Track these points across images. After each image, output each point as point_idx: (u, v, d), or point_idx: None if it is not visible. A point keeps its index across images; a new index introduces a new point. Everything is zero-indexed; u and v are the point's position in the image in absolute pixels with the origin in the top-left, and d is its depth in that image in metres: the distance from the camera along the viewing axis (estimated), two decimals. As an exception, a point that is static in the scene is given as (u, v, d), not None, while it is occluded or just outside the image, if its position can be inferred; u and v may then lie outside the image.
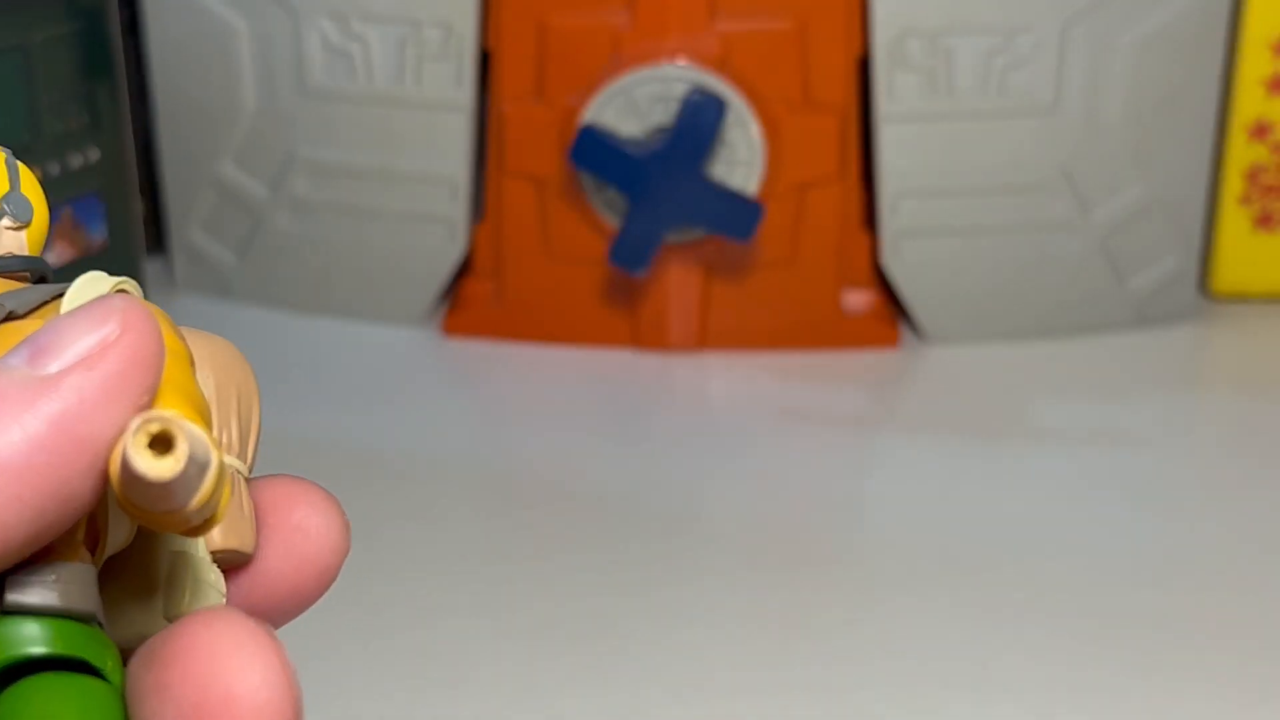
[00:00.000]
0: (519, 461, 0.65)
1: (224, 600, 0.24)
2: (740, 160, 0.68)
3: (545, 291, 0.72)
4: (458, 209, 0.72)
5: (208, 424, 0.21)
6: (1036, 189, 0.71)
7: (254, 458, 0.25)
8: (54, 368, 0.20)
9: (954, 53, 0.68)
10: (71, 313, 0.20)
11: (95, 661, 0.20)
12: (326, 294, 0.75)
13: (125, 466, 0.19)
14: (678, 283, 0.71)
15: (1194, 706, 0.49)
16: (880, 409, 0.69)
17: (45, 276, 0.24)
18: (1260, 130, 0.72)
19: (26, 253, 0.24)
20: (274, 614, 0.24)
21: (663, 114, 0.67)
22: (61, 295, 0.23)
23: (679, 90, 0.67)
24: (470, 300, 0.73)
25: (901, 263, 0.71)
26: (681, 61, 0.67)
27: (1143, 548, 0.58)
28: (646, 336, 0.72)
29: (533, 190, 0.71)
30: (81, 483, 0.20)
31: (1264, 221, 0.74)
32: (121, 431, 0.20)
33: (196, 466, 0.19)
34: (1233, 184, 0.73)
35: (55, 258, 0.61)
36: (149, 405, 0.20)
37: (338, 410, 0.67)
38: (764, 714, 0.49)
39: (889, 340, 0.72)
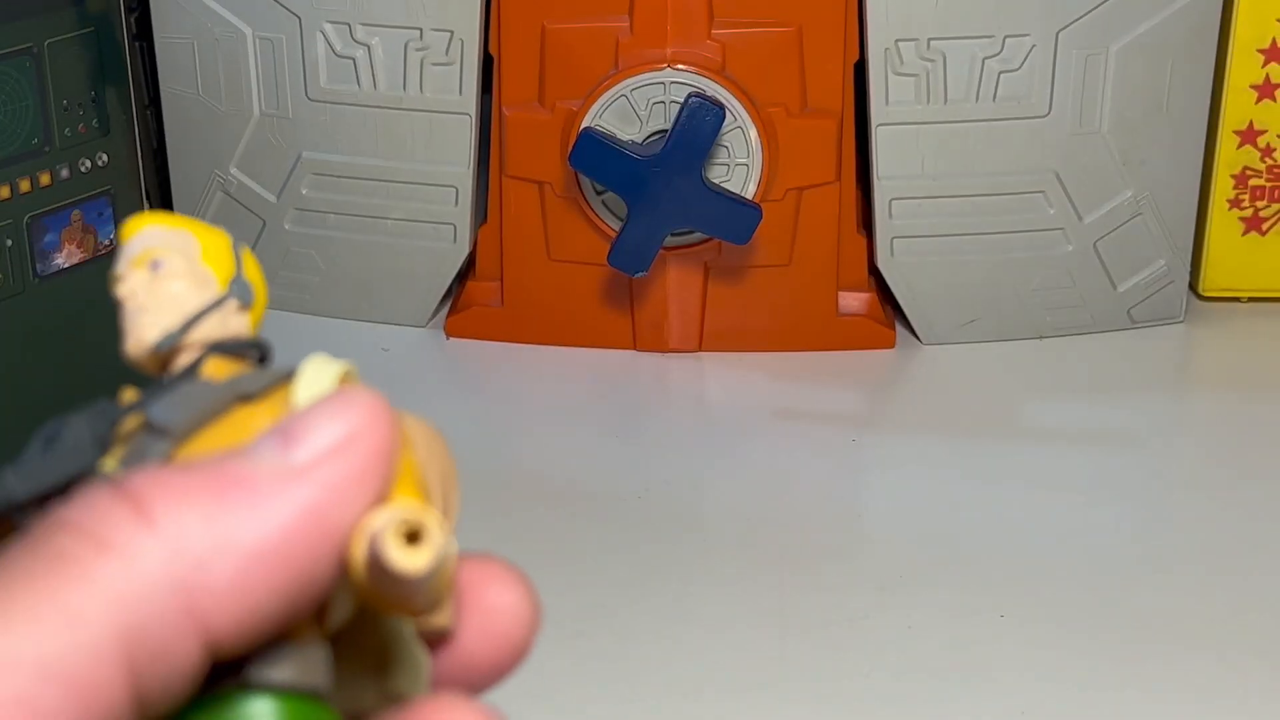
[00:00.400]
0: (520, 461, 0.65)
1: (430, 677, 0.24)
2: (738, 164, 0.69)
3: (546, 293, 0.72)
4: (461, 212, 0.72)
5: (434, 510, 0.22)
6: (1029, 192, 0.71)
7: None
8: (303, 457, 0.21)
9: (947, 58, 0.69)
10: (319, 404, 0.21)
11: None
12: (332, 296, 0.75)
13: (378, 560, 0.20)
14: (677, 285, 0.71)
15: (1187, 704, 0.50)
16: (876, 410, 0.69)
17: (266, 355, 0.25)
18: (1249, 134, 0.73)
19: (249, 334, 0.25)
20: (472, 687, 0.25)
21: (662, 118, 0.68)
22: (290, 378, 0.24)
23: (678, 95, 0.67)
24: (472, 302, 0.74)
25: (896, 265, 0.72)
26: (680, 67, 0.68)
27: (1135, 547, 0.58)
28: (646, 338, 0.72)
29: (534, 193, 0.71)
30: (326, 570, 0.20)
31: (1253, 224, 0.74)
32: (362, 519, 0.20)
33: (439, 559, 0.20)
34: (1222, 187, 0.74)
35: (65, 259, 0.61)
36: (388, 496, 0.21)
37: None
38: (761, 712, 0.49)
39: (885, 342, 0.73)
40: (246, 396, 0.23)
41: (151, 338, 0.24)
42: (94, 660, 0.19)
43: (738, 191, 0.68)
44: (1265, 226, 0.74)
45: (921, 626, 0.53)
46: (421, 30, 0.70)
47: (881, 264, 0.72)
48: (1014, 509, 0.60)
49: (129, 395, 0.24)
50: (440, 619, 0.23)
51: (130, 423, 0.23)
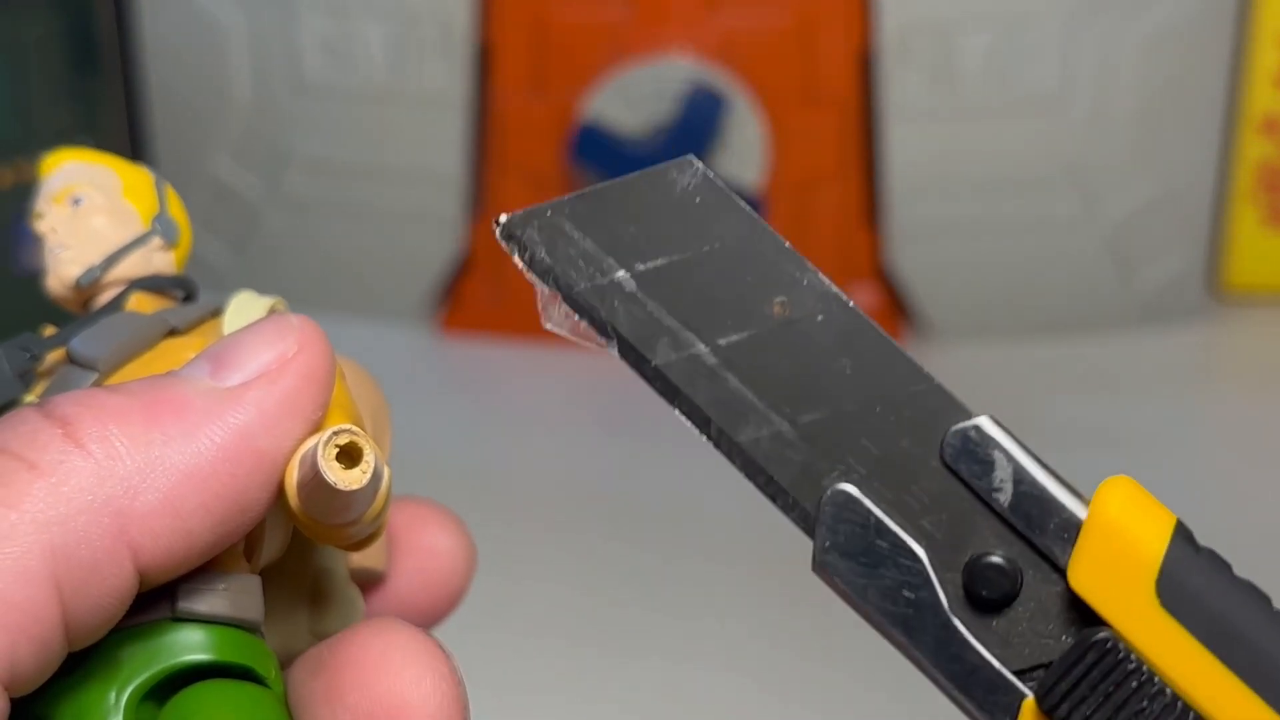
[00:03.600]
0: (516, 459, 0.64)
1: (364, 614, 0.25)
2: (741, 156, 0.68)
3: (544, 289, 0.72)
4: (453, 205, 0.72)
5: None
6: (1043, 185, 0.70)
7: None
8: (235, 380, 0.21)
9: (959, 48, 0.68)
10: (249, 328, 0.21)
11: (260, 669, 0.21)
12: (322, 290, 0.74)
13: (314, 477, 0.20)
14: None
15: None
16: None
17: (192, 294, 0.25)
18: (1271, 126, 0.72)
19: (175, 272, 0.25)
20: None
21: (663, 110, 0.67)
22: (217, 313, 0.24)
23: (680, 86, 0.67)
24: (469, 298, 0.73)
25: (909, 259, 0.71)
26: (682, 56, 0.67)
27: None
28: (647, 334, 0.72)
29: (532, 186, 0.70)
30: (259, 494, 0.20)
31: (1275, 218, 0.74)
32: (297, 445, 0.21)
33: (375, 479, 0.20)
34: (1244, 179, 0.73)
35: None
36: (321, 421, 0.21)
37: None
38: (763, 713, 0.49)
39: (892, 337, 0.72)
40: (174, 329, 0.23)
41: (73, 274, 0.24)
42: (22, 580, 0.19)
43: (740, 183, 0.68)
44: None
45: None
46: (412, 19, 0.69)
47: (893, 257, 0.71)
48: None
49: (49, 330, 0.24)
50: (373, 559, 0.24)
51: (52, 357, 0.23)
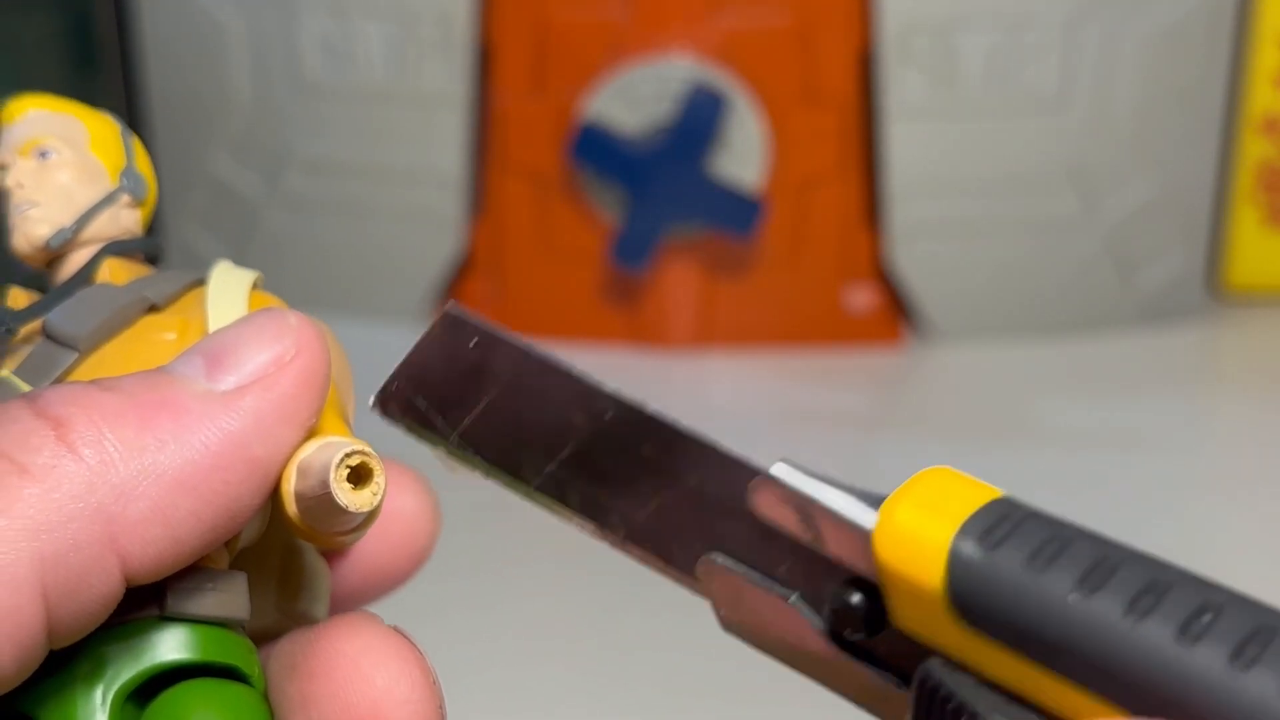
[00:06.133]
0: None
1: (330, 588, 0.24)
2: (741, 156, 0.68)
3: (545, 288, 0.72)
4: (453, 205, 0.72)
5: (352, 432, 0.22)
6: (1043, 185, 0.70)
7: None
8: (231, 383, 0.20)
9: (960, 48, 0.68)
10: (244, 325, 0.21)
11: (244, 667, 0.21)
12: (322, 290, 0.74)
13: (322, 495, 0.20)
14: (678, 279, 0.71)
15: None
16: (883, 406, 0.69)
17: (156, 257, 0.24)
18: (1271, 126, 0.72)
19: (140, 230, 0.24)
20: (370, 594, 0.25)
21: (663, 110, 0.67)
22: (195, 284, 0.23)
23: (679, 86, 0.66)
24: (469, 297, 0.73)
25: (909, 259, 0.71)
26: (682, 56, 0.67)
27: (1149, 548, 0.57)
28: (647, 333, 0.72)
29: (532, 187, 0.70)
30: (251, 501, 0.20)
31: (1275, 218, 0.74)
32: (291, 451, 0.20)
33: (382, 494, 0.20)
34: (1244, 180, 0.73)
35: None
36: (315, 427, 0.21)
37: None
38: (763, 715, 0.49)
39: (891, 337, 0.72)
40: (154, 305, 0.22)
41: (42, 234, 0.23)
42: (9, 587, 0.18)
43: (741, 184, 0.68)
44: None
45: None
46: (412, 19, 0.69)
47: (893, 257, 0.71)
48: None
49: (18, 296, 0.23)
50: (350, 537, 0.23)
51: (27, 329, 0.22)
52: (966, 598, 0.19)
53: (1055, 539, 0.19)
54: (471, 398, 0.23)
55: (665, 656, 0.52)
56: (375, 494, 0.20)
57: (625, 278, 0.71)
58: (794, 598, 0.21)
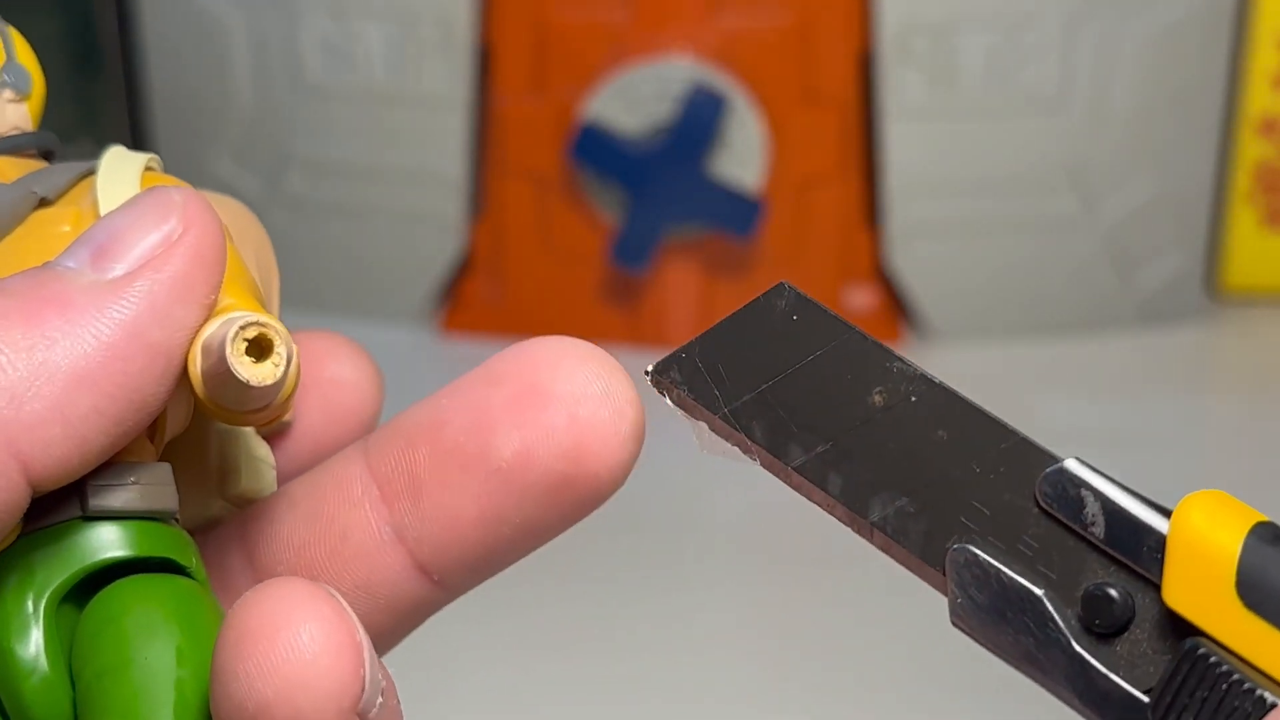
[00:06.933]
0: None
1: (274, 471, 0.23)
2: (741, 156, 0.68)
3: (545, 289, 0.72)
4: (454, 206, 0.72)
5: (265, 306, 0.21)
6: (1042, 185, 0.70)
7: (278, 312, 0.24)
8: (119, 270, 0.19)
9: (960, 48, 0.68)
10: (128, 208, 0.20)
11: (180, 559, 0.20)
12: (323, 291, 0.74)
13: (222, 371, 0.19)
14: (678, 280, 0.71)
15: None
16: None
17: (52, 152, 0.23)
18: (1270, 126, 0.72)
19: (30, 127, 0.23)
20: (312, 466, 0.24)
21: (663, 110, 0.67)
22: (87, 174, 0.22)
23: (679, 86, 0.67)
24: (470, 298, 0.73)
25: (908, 259, 0.71)
26: (682, 57, 0.67)
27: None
28: (647, 333, 0.72)
29: (532, 187, 0.70)
30: (156, 389, 0.19)
31: (1274, 219, 0.74)
32: (194, 332, 0.19)
33: (286, 365, 0.19)
34: (1243, 180, 0.73)
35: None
36: (216, 302, 0.20)
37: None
38: (764, 715, 0.49)
39: (890, 337, 0.72)
40: (44, 199, 0.21)
41: None
42: None
43: (740, 184, 0.68)
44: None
45: (928, 628, 0.52)
46: (412, 20, 0.69)
47: (892, 258, 0.71)
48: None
49: None
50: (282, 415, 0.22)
51: None
52: (1256, 577, 0.20)
53: None
54: (765, 373, 0.23)
55: (665, 657, 0.52)
56: (278, 365, 0.19)
57: (625, 278, 0.71)
58: (1045, 592, 0.22)
